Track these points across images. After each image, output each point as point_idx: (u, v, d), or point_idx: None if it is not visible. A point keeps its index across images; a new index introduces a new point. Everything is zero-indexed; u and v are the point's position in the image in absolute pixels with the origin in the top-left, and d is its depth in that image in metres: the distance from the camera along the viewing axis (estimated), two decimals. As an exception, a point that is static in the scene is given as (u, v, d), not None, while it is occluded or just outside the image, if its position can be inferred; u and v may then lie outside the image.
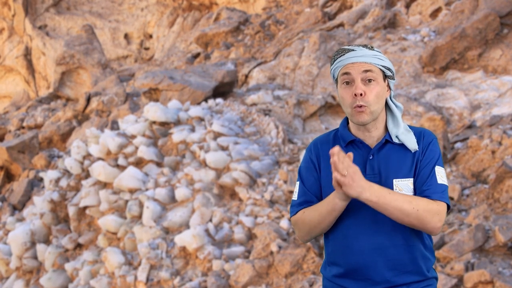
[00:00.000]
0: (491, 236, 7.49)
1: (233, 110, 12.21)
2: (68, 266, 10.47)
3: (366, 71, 2.53)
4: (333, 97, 12.54)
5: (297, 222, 2.64)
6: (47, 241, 11.30)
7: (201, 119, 11.71)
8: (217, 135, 11.07)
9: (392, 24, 14.89)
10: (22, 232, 11.22)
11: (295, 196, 2.68)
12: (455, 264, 7.24)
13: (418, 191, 2.55)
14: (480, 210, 7.96)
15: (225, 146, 10.79)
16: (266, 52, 16.60)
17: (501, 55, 12.23)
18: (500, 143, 9.05)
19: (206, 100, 13.31)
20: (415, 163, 2.57)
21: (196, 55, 20.25)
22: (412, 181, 2.55)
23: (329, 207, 2.51)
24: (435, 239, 7.57)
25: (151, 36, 26.67)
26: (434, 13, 14.66)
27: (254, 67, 15.60)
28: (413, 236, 2.57)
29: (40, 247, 11.01)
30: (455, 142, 10.00)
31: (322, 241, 8.80)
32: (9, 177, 14.96)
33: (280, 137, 11.13)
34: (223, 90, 13.96)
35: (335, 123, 12.40)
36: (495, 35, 12.34)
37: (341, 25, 15.92)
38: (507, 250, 7.39)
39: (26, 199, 13.11)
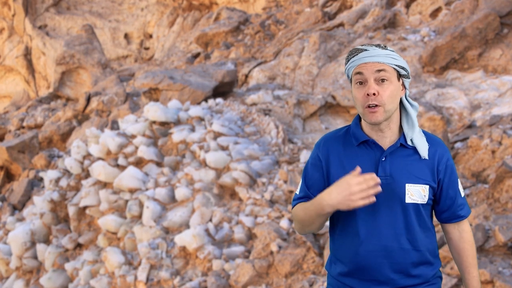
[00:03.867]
0: (491, 236, 7.49)
1: (233, 110, 12.21)
2: (68, 266, 10.47)
3: (379, 70, 2.50)
4: (333, 97, 12.54)
5: (293, 216, 2.69)
6: (47, 241, 11.30)
7: (201, 119, 11.70)
8: (217, 135, 11.07)
9: (392, 24, 14.89)
10: (22, 232, 11.22)
11: (297, 190, 2.70)
12: (455, 264, 7.23)
13: (446, 208, 2.64)
14: (480, 210, 7.96)
15: (225, 146, 10.78)
16: (266, 52, 16.60)
17: (501, 55, 12.23)
18: (500, 143, 9.05)
19: (206, 100, 13.31)
20: (434, 175, 2.58)
21: (196, 55, 20.25)
22: (424, 188, 2.55)
23: (318, 211, 2.51)
24: (435, 239, 7.56)
25: (151, 36, 26.67)
26: (434, 13, 14.65)
27: (254, 67, 15.60)
28: (422, 242, 2.59)
29: (40, 247, 11.01)
30: (455, 142, 10.00)
31: (322, 241, 8.79)
32: (9, 177, 14.96)
33: (280, 137, 11.13)
34: (223, 90, 13.96)
35: (335, 123, 12.39)
36: (495, 35, 12.34)
37: (341, 25, 15.92)
38: (507, 250, 7.39)
39: (26, 199, 13.11)
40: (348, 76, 2.63)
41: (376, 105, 2.49)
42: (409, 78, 2.60)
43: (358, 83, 2.54)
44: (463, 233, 2.67)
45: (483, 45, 12.36)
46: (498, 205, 8.20)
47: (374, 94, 2.48)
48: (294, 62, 14.62)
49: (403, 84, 2.59)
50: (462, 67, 12.43)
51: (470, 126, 10.40)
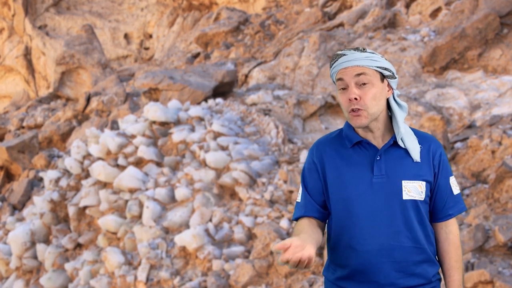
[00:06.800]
0: (491, 236, 7.49)
1: (233, 110, 12.21)
2: (68, 266, 10.47)
3: (359, 74, 2.49)
4: (333, 97, 12.54)
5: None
6: (47, 241, 11.30)
7: (201, 119, 11.71)
8: (217, 135, 11.07)
9: (392, 24, 14.89)
10: (22, 232, 11.22)
11: (298, 198, 2.69)
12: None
13: (439, 207, 2.60)
14: (480, 210, 7.96)
15: (225, 146, 10.78)
16: (266, 52, 16.60)
17: (501, 55, 12.23)
18: (500, 143, 9.05)
19: (206, 100, 13.31)
20: (431, 170, 2.57)
21: (196, 55, 20.25)
22: (421, 184, 2.54)
23: None
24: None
25: (151, 36, 26.67)
26: (434, 13, 14.66)
27: (254, 67, 15.60)
28: (422, 239, 2.56)
29: (40, 247, 11.01)
30: (455, 142, 10.01)
31: (321, 241, 8.78)
32: (9, 177, 14.96)
33: (280, 137, 11.13)
34: (223, 90, 13.96)
35: (335, 123, 12.40)
36: (495, 35, 12.34)
37: (341, 25, 15.92)
38: (507, 250, 7.39)
39: (26, 199, 13.11)
40: (334, 82, 2.62)
41: (359, 109, 2.48)
42: (395, 78, 2.57)
43: (341, 89, 2.53)
44: (450, 235, 2.62)
45: (483, 45, 12.36)
46: (498, 205, 8.20)
47: (356, 99, 2.48)
48: (294, 62, 14.62)
49: (389, 85, 2.57)
50: (462, 67, 12.43)
51: (470, 126, 10.41)
